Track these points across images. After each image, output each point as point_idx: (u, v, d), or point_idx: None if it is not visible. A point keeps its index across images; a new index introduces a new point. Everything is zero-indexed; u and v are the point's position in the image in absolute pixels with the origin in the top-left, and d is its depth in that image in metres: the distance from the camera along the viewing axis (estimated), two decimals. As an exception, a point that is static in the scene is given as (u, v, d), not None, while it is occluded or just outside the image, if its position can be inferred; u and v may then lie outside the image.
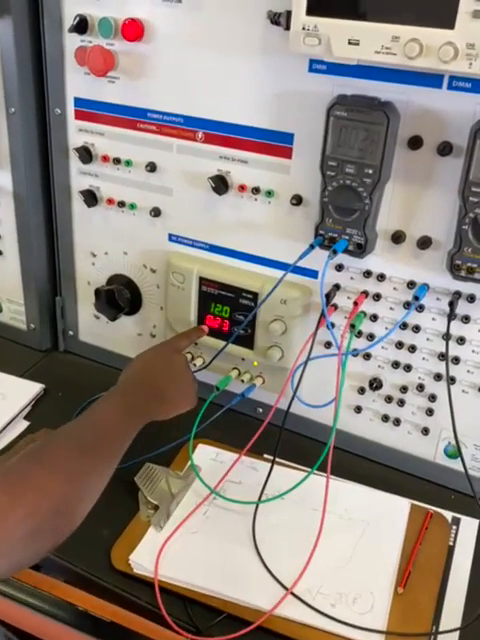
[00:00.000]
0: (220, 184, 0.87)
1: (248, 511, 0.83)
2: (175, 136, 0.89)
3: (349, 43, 0.68)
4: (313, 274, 0.87)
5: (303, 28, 0.69)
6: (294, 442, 0.93)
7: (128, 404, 0.77)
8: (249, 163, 0.86)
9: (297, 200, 0.84)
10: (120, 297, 1.00)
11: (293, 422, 0.91)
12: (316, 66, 0.77)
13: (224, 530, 0.81)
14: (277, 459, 0.85)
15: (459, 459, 0.81)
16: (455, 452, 0.85)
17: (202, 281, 0.94)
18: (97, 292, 1.01)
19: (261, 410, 0.98)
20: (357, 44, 0.68)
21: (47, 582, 0.78)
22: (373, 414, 0.92)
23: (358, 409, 0.92)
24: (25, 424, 0.97)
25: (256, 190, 0.87)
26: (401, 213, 0.80)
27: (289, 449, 0.88)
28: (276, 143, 0.83)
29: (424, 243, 0.79)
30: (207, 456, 0.91)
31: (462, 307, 0.80)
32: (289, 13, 0.71)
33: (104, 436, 0.72)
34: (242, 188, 0.88)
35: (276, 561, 0.78)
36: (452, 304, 0.79)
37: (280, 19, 0.74)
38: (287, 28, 0.72)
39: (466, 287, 0.79)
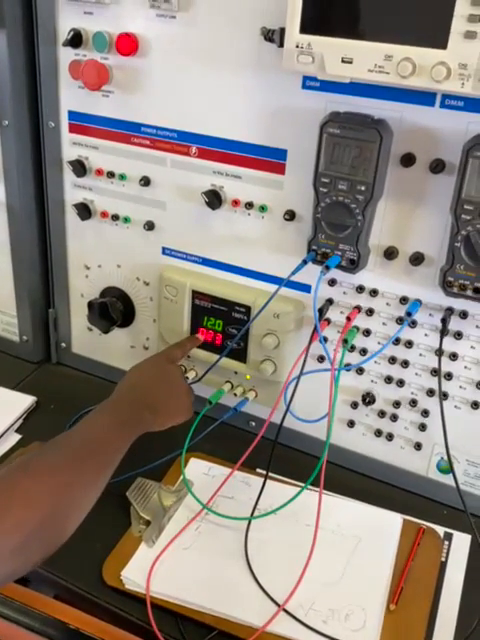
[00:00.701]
0: (214, 199, 0.87)
1: (240, 527, 0.82)
2: (169, 151, 0.90)
3: (342, 61, 0.68)
4: (306, 289, 0.87)
5: (297, 46, 0.70)
6: (287, 456, 0.92)
7: (121, 415, 0.77)
8: (243, 178, 0.86)
9: (290, 215, 0.84)
10: (113, 309, 1.00)
11: (286, 436, 0.90)
12: (309, 83, 0.77)
13: (216, 546, 0.81)
14: (270, 474, 0.85)
15: (451, 474, 0.81)
16: (447, 467, 0.85)
17: (195, 294, 0.93)
18: (90, 304, 1.00)
19: (254, 424, 0.98)
20: (350, 62, 0.68)
21: (37, 599, 0.77)
22: (366, 429, 0.92)
23: (351, 424, 0.92)
24: (17, 437, 0.96)
25: (249, 205, 0.87)
26: (394, 229, 0.80)
27: (282, 464, 0.88)
28: (269, 159, 0.84)
29: (417, 259, 0.79)
30: (200, 470, 0.91)
31: (454, 323, 0.80)
32: (283, 30, 0.71)
33: (95, 447, 0.72)
34: (235, 203, 0.88)
35: (268, 577, 0.77)
36: (445, 320, 0.79)
37: (274, 36, 0.74)
38: (281, 45, 0.72)
39: (458, 303, 0.79)
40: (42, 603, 0.77)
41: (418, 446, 0.89)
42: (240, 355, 0.93)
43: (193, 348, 0.94)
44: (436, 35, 0.63)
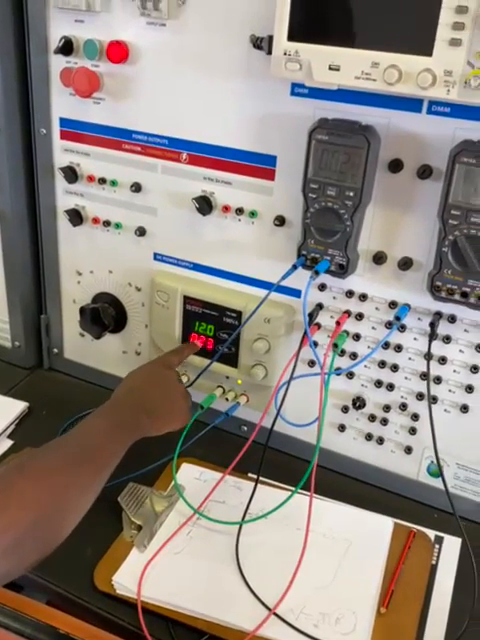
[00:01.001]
0: (204, 205, 0.88)
1: (232, 531, 0.82)
2: (160, 157, 0.90)
3: (330, 68, 0.69)
4: (296, 293, 0.88)
5: (284, 53, 0.70)
6: (278, 461, 0.93)
7: (117, 419, 0.77)
8: (233, 184, 0.87)
9: (280, 221, 0.85)
10: (105, 315, 1.00)
11: (277, 441, 0.90)
12: (298, 90, 0.78)
13: (208, 550, 0.81)
14: (261, 478, 0.85)
15: (442, 476, 0.81)
16: (438, 471, 0.85)
17: (186, 300, 0.94)
18: (82, 310, 1.00)
19: (246, 428, 0.98)
20: (337, 70, 0.69)
21: (29, 605, 0.77)
22: (357, 433, 0.92)
23: (342, 428, 0.92)
24: (9, 443, 0.96)
25: (240, 211, 0.87)
26: (382, 235, 0.80)
27: (273, 468, 0.88)
28: (259, 165, 0.84)
29: (405, 264, 0.79)
30: (191, 475, 0.91)
31: (443, 327, 0.81)
32: (271, 38, 0.72)
33: (92, 451, 0.72)
34: (226, 209, 0.88)
35: (259, 581, 0.77)
36: (433, 324, 0.80)
37: (262, 43, 0.75)
38: (269, 53, 0.73)
39: (447, 308, 0.79)
40: (34, 609, 0.77)
41: (408, 450, 0.89)
42: (231, 360, 0.93)
43: (191, 354, 0.94)
44: (422, 42, 0.64)
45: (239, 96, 0.82)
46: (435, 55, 0.64)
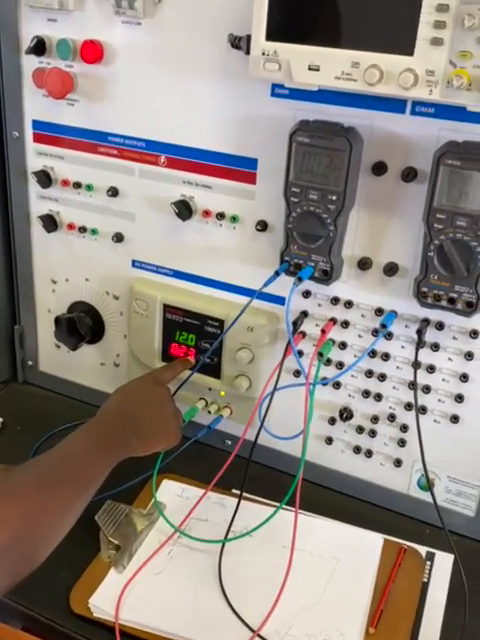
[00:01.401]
0: (184, 209, 0.88)
1: (214, 550, 0.82)
2: (137, 160, 0.91)
3: (309, 69, 0.70)
4: (280, 301, 0.88)
5: (263, 53, 0.71)
6: (263, 476, 0.93)
7: (102, 437, 0.76)
8: (213, 188, 0.87)
9: (262, 226, 0.86)
10: (81, 325, 1.00)
11: (262, 454, 0.91)
12: (278, 91, 0.79)
13: (189, 570, 0.81)
14: (245, 494, 0.85)
15: (431, 491, 0.82)
16: (427, 485, 0.85)
17: (166, 308, 0.94)
18: (57, 320, 1.01)
19: (230, 442, 0.98)
20: (317, 70, 0.70)
21: (4, 631, 0.77)
22: (344, 445, 0.92)
23: (329, 440, 0.93)
24: (-19, 460, 0.96)
25: (221, 215, 0.88)
26: (367, 240, 0.81)
27: (258, 483, 0.88)
28: (240, 168, 0.85)
29: (391, 270, 0.80)
30: (172, 492, 0.91)
31: (431, 335, 0.81)
32: (250, 37, 0.73)
33: (73, 470, 0.71)
34: (206, 213, 0.89)
35: (243, 602, 0.77)
36: (420, 332, 0.80)
37: (240, 43, 0.76)
38: (247, 52, 0.74)
39: (434, 314, 0.80)
40: (11, 635, 0.77)
41: (398, 462, 0.90)
42: (214, 370, 0.94)
43: (183, 370, 0.93)
44: (403, 41, 0.65)
45: (218, 97, 0.83)
46: (417, 54, 0.65)
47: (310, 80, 0.71)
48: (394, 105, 0.74)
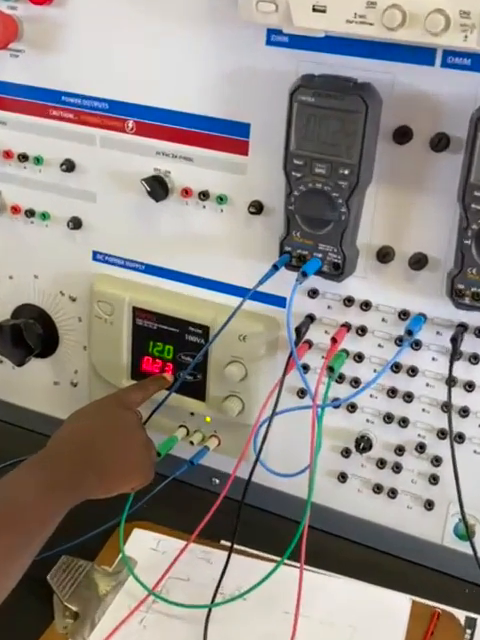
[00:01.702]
0: (157, 187, 0.88)
1: (198, 617, 0.82)
2: (98, 126, 0.91)
3: (314, 10, 0.69)
4: (280, 302, 0.88)
5: (255, -9, 0.71)
6: (260, 522, 0.93)
7: (55, 475, 0.75)
8: (194, 161, 0.87)
9: (256, 208, 0.85)
10: (29, 334, 1.00)
11: (258, 496, 0.90)
12: (275, 38, 0.79)
13: (166, 643, 0.81)
14: (236, 546, 0.85)
15: (470, 541, 0.82)
16: (466, 533, 0.85)
17: (137, 312, 0.94)
18: (-1, 328, 1.00)
19: (218, 481, 0.98)
20: (323, 11, 0.69)
21: None
22: (362, 483, 0.92)
23: (342, 477, 0.93)
24: None
25: (204, 195, 0.88)
26: (388, 224, 0.81)
27: (253, 532, 0.88)
28: (228, 136, 0.85)
29: (418, 262, 0.80)
30: (145, 545, 0.91)
31: (469, 343, 0.81)
32: (239, -30, 0.73)
33: (16, 514, 0.70)
34: (186, 192, 0.89)
35: (235, 684, 0.77)
36: (455, 340, 0.80)
37: (228, -21, 0.76)
38: (236, -10, 0.74)
39: (473, 318, 0.80)
40: None
41: (430, 505, 0.89)
42: (197, 390, 0.93)
43: (158, 391, 0.93)
44: (430, -25, 0.65)
45: (200, 46, 0.83)
46: (448, -9, 0.65)
47: (315, 25, 0.70)
48: (420, 55, 0.74)
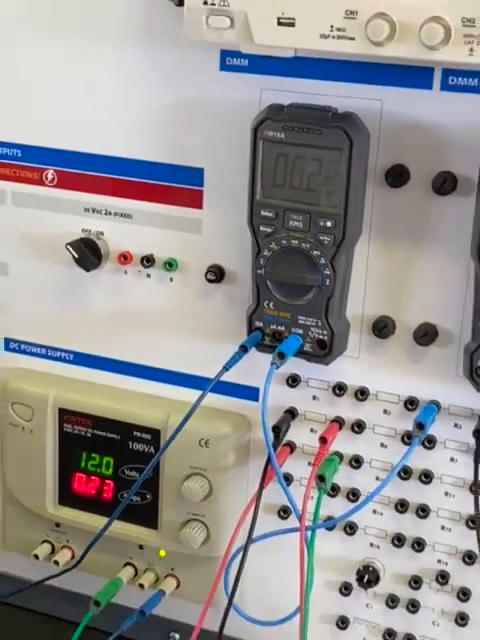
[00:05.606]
0: (87, 253, 0.88)
1: None
2: (9, 178, 0.92)
3: (279, 23, 0.70)
4: (251, 394, 0.89)
5: (205, 2, 0.71)
6: None
7: None
8: (134, 218, 0.88)
9: (216, 274, 0.86)
10: None
11: (233, 654, 0.90)
12: (232, 61, 0.80)
13: None
14: None
15: None
16: None
17: (65, 415, 0.94)
18: None
19: (178, 636, 0.98)
20: (292, 25, 0.70)
21: None
22: (368, 630, 0.91)
23: (342, 622, 0.92)
24: None
25: (148, 260, 0.88)
26: (385, 289, 0.82)
27: None
28: (177, 185, 0.86)
29: (425, 335, 0.80)
30: None
31: (496, 437, 0.81)
32: (183, -21, 0.75)
33: None
34: (125, 258, 0.89)
35: None
36: (479, 433, 0.80)
37: (169, -11, 0.77)
38: (180, 3, 0.74)
39: (500, 403, 0.81)
40: None
41: (458, 653, 0.88)
42: (147, 516, 0.93)
43: None
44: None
45: (137, 74, 0.84)
46: (447, -5, 0.66)
47: (282, 41, 0.71)
48: (415, 77, 0.75)
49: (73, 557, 0.96)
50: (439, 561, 0.87)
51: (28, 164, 0.90)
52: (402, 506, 0.86)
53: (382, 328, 0.82)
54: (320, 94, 0.77)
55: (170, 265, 0.87)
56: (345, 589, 0.90)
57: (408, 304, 0.81)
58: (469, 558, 0.85)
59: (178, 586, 0.94)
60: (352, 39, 0.68)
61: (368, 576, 0.88)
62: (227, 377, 0.82)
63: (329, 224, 0.76)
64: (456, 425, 0.83)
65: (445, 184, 0.76)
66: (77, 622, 0.88)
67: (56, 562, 0.96)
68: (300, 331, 0.80)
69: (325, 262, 0.77)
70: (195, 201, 0.85)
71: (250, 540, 0.81)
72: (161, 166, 0.86)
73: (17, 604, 1.02)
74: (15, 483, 0.97)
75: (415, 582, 0.88)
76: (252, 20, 0.70)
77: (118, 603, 0.92)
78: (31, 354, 0.96)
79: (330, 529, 0.88)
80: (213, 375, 0.82)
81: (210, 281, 0.86)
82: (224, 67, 0.81)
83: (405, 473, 0.85)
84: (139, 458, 0.92)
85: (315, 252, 0.77)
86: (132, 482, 0.90)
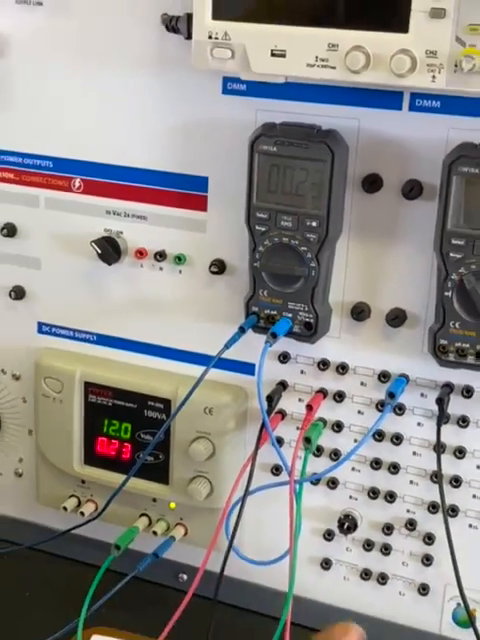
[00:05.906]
0: (109, 250, 0.90)
1: None
2: (42, 186, 0.93)
3: (272, 55, 0.73)
4: (248, 369, 0.90)
5: (210, 36, 0.74)
6: (236, 622, 0.92)
7: None
8: (149, 219, 0.90)
9: (218, 267, 0.87)
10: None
11: (233, 591, 0.90)
12: (232, 86, 0.82)
13: None
14: (212, 650, 0.83)
15: (473, 627, 0.81)
16: (467, 618, 0.85)
17: (89, 388, 0.95)
18: None
19: (186, 576, 0.97)
20: (283, 56, 0.72)
21: None
22: (348, 569, 0.92)
23: (325, 563, 0.92)
24: None
25: (160, 255, 0.89)
26: (361, 279, 0.83)
27: (229, 633, 0.87)
28: (185, 191, 0.87)
29: (396, 318, 0.82)
30: (106, 653, 0.88)
31: (456, 405, 0.83)
32: (190, 17, 0.76)
33: None
34: (140, 254, 0.90)
35: None
36: (442, 401, 0.81)
37: (179, 25, 0.79)
38: (189, 37, 0.77)
39: (459, 376, 0.82)
40: None
41: (424, 589, 0.89)
42: (159, 473, 0.93)
43: None
44: (393, 15, 0.68)
45: (151, 98, 0.86)
46: (412, 31, 0.68)
47: (274, 70, 0.73)
48: (387, 99, 0.77)
49: (96, 509, 0.97)
50: (408, 511, 0.88)
51: (58, 174, 0.92)
52: (376, 464, 0.87)
53: (359, 312, 0.83)
54: (307, 114, 0.79)
55: (179, 259, 0.89)
56: (328, 535, 0.91)
57: (381, 292, 0.83)
58: (433, 508, 0.86)
59: (186, 533, 0.95)
60: (334, 68, 0.71)
61: (348, 524, 0.89)
62: (228, 354, 0.84)
63: (314, 224, 0.78)
64: (422, 394, 0.84)
65: (413, 190, 0.78)
66: (99, 565, 0.88)
67: (82, 513, 0.97)
68: (290, 315, 0.82)
69: (311, 256, 0.79)
70: (200, 204, 0.87)
71: (247, 493, 0.82)
72: (171, 175, 0.87)
73: (48, 551, 1.03)
74: (47, 446, 0.98)
75: (388, 529, 0.89)
76: (250, 52, 0.73)
77: (134, 548, 0.92)
78: (60, 336, 0.97)
79: (315, 483, 0.89)
80: (215, 353, 0.83)
81: (213, 273, 0.87)
82: (226, 91, 0.83)
83: (379, 436, 0.86)
84: (153, 424, 0.92)
85: (303, 248, 0.79)
86: (147, 444, 0.91)
